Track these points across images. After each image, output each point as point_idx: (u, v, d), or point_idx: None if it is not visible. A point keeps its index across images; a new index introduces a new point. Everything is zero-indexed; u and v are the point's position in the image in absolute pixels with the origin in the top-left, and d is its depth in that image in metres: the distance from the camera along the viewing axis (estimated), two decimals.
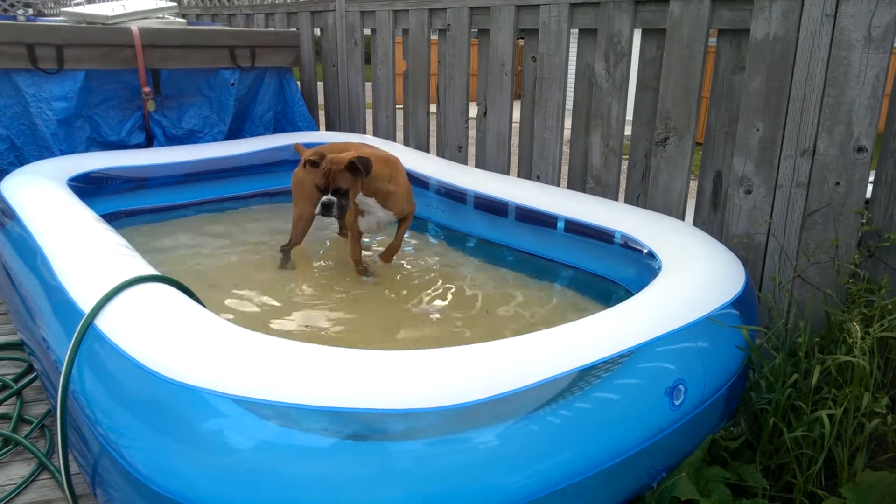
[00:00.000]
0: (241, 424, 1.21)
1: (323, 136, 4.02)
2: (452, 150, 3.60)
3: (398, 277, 2.88)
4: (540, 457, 1.29)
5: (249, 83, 4.04)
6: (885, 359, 1.81)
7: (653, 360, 1.52)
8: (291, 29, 4.62)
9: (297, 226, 2.91)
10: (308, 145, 3.85)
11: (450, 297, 2.66)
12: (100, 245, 1.98)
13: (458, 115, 3.53)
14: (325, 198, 2.41)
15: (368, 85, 4.18)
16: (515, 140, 3.28)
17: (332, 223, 3.36)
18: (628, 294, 2.25)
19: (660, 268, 2.02)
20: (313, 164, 2.47)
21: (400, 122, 4.05)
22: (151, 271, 1.75)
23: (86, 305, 1.58)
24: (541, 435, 1.29)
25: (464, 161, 3.57)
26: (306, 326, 2.39)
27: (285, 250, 2.94)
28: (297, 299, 2.63)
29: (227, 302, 2.53)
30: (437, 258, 3.04)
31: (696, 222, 2.55)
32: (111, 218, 3.09)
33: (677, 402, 1.52)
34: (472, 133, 3.46)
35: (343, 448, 1.18)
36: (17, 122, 3.38)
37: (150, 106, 3.68)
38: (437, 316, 2.52)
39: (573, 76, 2.91)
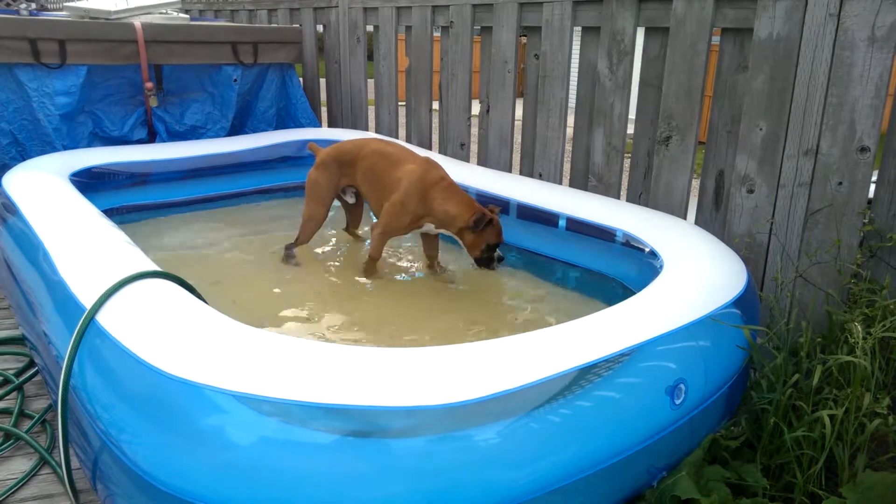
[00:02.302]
0: (243, 421, 1.21)
1: (326, 133, 4.02)
2: (454, 148, 3.60)
3: (400, 276, 2.88)
4: (541, 454, 1.29)
5: (252, 79, 4.04)
6: (887, 359, 1.81)
7: (654, 359, 1.52)
8: (294, 25, 4.62)
9: (307, 226, 2.87)
10: (313, 142, 3.86)
11: (451, 294, 2.66)
12: (101, 240, 1.98)
13: (461, 112, 3.53)
14: (499, 252, 2.60)
15: (371, 82, 4.18)
16: (518, 138, 3.28)
17: (340, 220, 3.33)
18: (630, 292, 2.25)
19: (661, 266, 2.02)
20: (488, 222, 2.55)
21: (402, 119, 4.05)
22: (153, 267, 1.75)
23: (87, 301, 1.58)
24: (542, 433, 1.29)
25: (466, 158, 3.57)
26: (308, 323, 2.39)
27: (290, 247, 2.93)
28: (299, 296, 2.63)
29: (229, 298, 2.52)
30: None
31: (698, 221, 2.54)
32: (113, 213, 3.09)
33: (678, 402, 1.52)
34: (475, 130, 3.46)
35: (345, 445, 1.18)
36: (20, 117, 3.38)
37: (153, 102, 3.68)
38: (439, 313, 2.52)
39: (576, 74, 2.90)
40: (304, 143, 3.84)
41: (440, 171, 2.64)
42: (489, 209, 2.60)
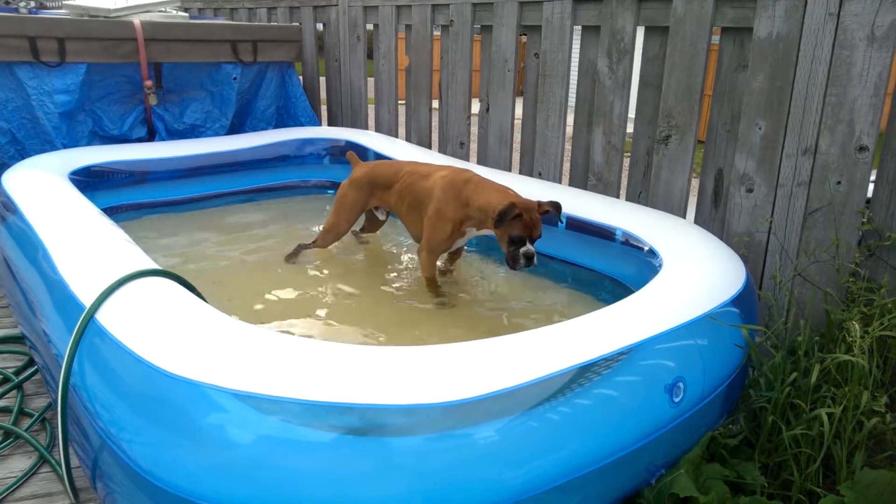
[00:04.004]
0: (242, 419, 1.21)
1: (325, 132, 4.02)
2: (454, 146, 3.60)
3: (400, 276, 2.89)
4: (539, 453, 1.30)
5: (251, 78, 4.04)
6: (885, 358, 1.81)
7: (653, 358, 1.52)
8: (294, 23, 4.61)
9: (328, 235, 2.86)
10: (311, 141, 3.85)
11: (450, 293, 2.66)
12: (101, 239, 1.98)
13: (460, 111, 3.53)
14: (526, 249, 2.26)
15: (371, 80, 4.18)
16: (517, 136, 3.28)
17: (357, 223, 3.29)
18: (629, 291, 2.25)
19: (660, 265, 2.02)
20: (514, 217, 2.24)
21: (402, 118, 4.05)
22: (153, 265, 1.75)
23: (87, 299, 1.58)
24: (540, 431, 1.30)
25: (465, 157, 3.57)
26: (308, 322, 2.39)
27: (303, 247, 2.91)
28: (300, 295, 2.63)
29: (229, 297, 2.53)
30: None
31: (698, 220, 2.55)
32: (112, 212, 3.09)
33: (677, 400, 1.52)
34: (474, 129, 3.45)
35: (343, 443, 1.18)
36: (19, 116, 3.38)
37: (152, 100, 3.68)
38: (440, 312, 2.52)
39: (576, 73, 2.90)
40: (303, 141, 3.85)
41: (468, 173, 2.56)
42: (539, 203, 2.31)
